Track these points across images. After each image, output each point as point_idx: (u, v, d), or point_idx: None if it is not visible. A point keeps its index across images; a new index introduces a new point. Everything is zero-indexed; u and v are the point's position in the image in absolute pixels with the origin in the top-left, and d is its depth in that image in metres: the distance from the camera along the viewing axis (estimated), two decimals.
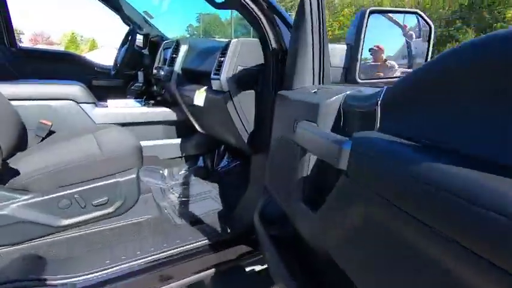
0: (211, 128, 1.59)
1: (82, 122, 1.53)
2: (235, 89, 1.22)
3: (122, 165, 1.12)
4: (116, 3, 2.20)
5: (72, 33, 33.31)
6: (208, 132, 1.68)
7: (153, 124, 1.77)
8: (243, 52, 1.20)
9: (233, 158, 1.95)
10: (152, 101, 1.93)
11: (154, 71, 1.89)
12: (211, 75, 1.25)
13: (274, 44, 1.19)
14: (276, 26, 1.18)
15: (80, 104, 1.52)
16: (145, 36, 2.39)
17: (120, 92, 2.41)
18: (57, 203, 1.02)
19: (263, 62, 1.23)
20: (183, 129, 1.87)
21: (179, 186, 1.69)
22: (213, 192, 1.67)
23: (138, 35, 2.19)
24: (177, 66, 1.65)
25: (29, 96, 1.41)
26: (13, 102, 1.34)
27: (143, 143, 1.73)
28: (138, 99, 1.83)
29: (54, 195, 1.01)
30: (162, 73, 1.74)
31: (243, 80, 1.22)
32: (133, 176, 1.15)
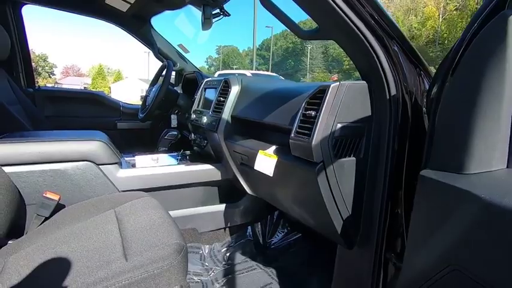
0: (276, 200, 1.15)
1: (101, 189, 1.14)
2: (332, 158, 0.79)
3: (162, 284, 0.70)
4: (150, 37, 1.91)
5: (100, 65, 35.15)
6: (266, 198, 1.25)
7: (191, 186, 1.35)
8: (346, 102, 0.78)
9: (291, 229, 1.49)
10: (188, 152, 1.53)
11: (193, 116, 1.52)
12: (293, 135, 0.84)
13: (393, 89, 0.77)
14: (399, 61, 0.77)
15: (100, 166, 1.14)
16: (179, 73, 2.08)
17: (149, 138, 2.07)
18: None
19: (369, 115, 0.82)
20: (227, 191, 1.44)
21: (225, 276, 1.22)
22: (266, 281, 1.20)
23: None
24: (226, 113, 1.26)
25: (28, 159, 1.03)
26: (8, 168, 0.97)
27: (178, 213, 1.31)
28: (172, 154, 1.43)
29: None
30: (205, 120, 1.36)
31: (342, 144, 0.80)
32: None
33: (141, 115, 1.81)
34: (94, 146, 1.13)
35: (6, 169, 0.95)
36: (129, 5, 1.64)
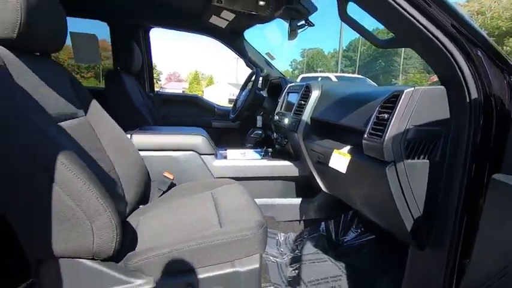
0: (349, 198, 1.22)
1: (201, 174, 1.42)
2: (404, 158, 0.84)
3: (243, 250, 0.88)
4: (242, 48, 2.19)
5: (196, 72, 39.54)
6: (340, 196, 1.33)
7: (272, 179, 1.53)
8: (421, 106, 0.82)
9: (365, 229, 1.51)
10: (270, 149, 1.72)
11: (276, 117, 1.70)
12: (366, 136, 0.91)
13: (474, 94, 0.78)
14: (482, 66, 0.77)
15: (202, 156, 1.42)
16: (265, 78, 2.30)
17: (238, 135, 2.35)
18: None
19: (447, 118, 0.83)
20: (304, 187, 1.57)
21: (298, 262, 1.35)
22: (336, 273, 1.27)
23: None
24: (306, 115, 1.39)
25: (154, 146, 1.37)
26: (142, 153, 1.31)
27: (260, 201, 1.50)
28: (257, 150, 1.64)
29: (167, 283, 0.83)
30: (287, 121, 1.52)
31: (415, 146, 0.84)
32: (256, 266, 0.88)
33: (232, 116, 2.09)
34: (198, 139, 1.42)
35: (141, 153, 1.30)
36: (227, 22, 1.93)
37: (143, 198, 1.25)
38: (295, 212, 1.55)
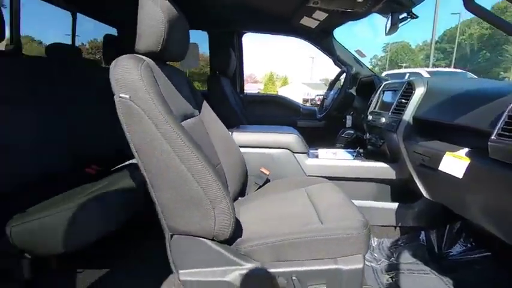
0: (462, 206, 1.10)
1: (294, 171, 1.46)
2: None
3: (347, 248, 0.89)
4: (331, 47, 2.16)
5: (271, 73, 40.40)
6: (448, 204, 1.20)
7: (365, 181, 1.48)
8: None
9: (475, 244, 1.33)
10: (361, 150, 1.66)
11: (370, 117, 1.63)
12: (494, 137, 0.81)
13: None
14: None
15: (295, 154, 1.46)
16: (354, 76, 2.22)
17: (324, 135, 2.34)
18: (275, 279, 0.90)
19: None
20: (401, 191, 1.47)
21: (395, 270, 1.28)
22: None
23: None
24: (408, 115, 1.30)
25: (252, 143, 1.48)
26: (242, 149, 1.43)
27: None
28: (349, 150, 1.61)
29: (273, 270, 0.90)
30: (383, 120, 1.44)
31: None
32: (360, 266, 0.88)
33: (319, 115, 2.09)
34: (292, 138, 1.47)
35: (241, 150, 1.42)
36: (318, 22, 1.93)
37: (242, 191, 1.36)
38: (390, 217, 1.46)
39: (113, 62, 0.81)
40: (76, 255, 1.05)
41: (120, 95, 0.79)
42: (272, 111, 2.52)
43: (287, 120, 2.44)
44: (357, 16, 1.81)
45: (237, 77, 2.47)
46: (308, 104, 7.39)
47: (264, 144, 1.47)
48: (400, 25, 1.46)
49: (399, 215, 1.45)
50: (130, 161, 1.61)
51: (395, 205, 1.46)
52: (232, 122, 1.72)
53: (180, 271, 0.90)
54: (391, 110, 1.41)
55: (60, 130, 1.39)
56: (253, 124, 2.13)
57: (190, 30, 1.13)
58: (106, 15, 2.18)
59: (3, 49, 1.43)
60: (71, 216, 0.98)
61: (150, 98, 0.79)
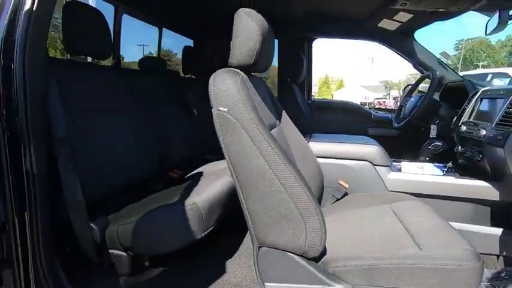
0: None
1: (375, 185, 1.37)
2: None
3: (454, 282, 0.78)
4: (411, 50, 1.99)
5: (326, 76, 39.34)
6: None
7: (458, 200, 1.31)
8: None
9: None
10: (450, 164, 1.48)
11: (463, 128, 1.44)
12: None
13: None
14: None
15: (376, 167, 1.37)
16: (439, 81, 2.01)
17: (398, 145, 2.16)
18: None
19: None
20: (506, 215, 1.27)
21: None
22: None
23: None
24: None
25: (329, 153, 1.42)
26: (319, 159, 1.38)
27: None
28: (437, 164, 1.45)
29: None
30: (484, 133, 1.26)
31: None
32: None
33: (396, 124, 1.94)
34: (372, 149, 1.38)
35: (318, 160, 1.38)
36: (399, 24, 1.79)
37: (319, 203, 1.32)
38: (491, 244, 1.27)
39: (212, 76, 0.85)
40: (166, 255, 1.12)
41: (219, 108, 0.81)
42: (340, 117, 2.41)
43: (357, 127, 2.31)
44: (447, 16, 1.64)
45: (306, 83, 2.44)
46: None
47: (342, 155, 1.40)
48: (510, 22, 1.26)
49: (503, 242, 1.25)
50: (209, 165, 1.69)
51: (498, 231, 1.26)
52: (304, 130, 1.68)
53: (267, 284, 0.89)
54: (496, 121, 1.23)
55: (150, 136, 1.52)
56: (323, 132, 2.07)
57: None
58: (184, 28, 2.34)
59: (110, 64, 1.63)
60: (171, 219, 1.05)
61: (246, 111, 0.80)
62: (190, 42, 2.45)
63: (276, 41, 2.41)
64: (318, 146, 1.42)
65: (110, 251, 1.06)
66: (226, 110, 0.81)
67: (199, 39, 2.42)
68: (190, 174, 1.61)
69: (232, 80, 0.82)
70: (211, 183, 1.27)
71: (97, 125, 1.24)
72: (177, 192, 1.23)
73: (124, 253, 1.07)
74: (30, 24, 0.83)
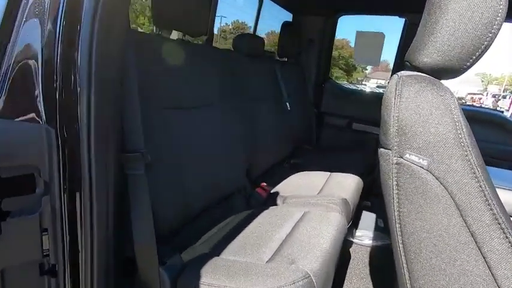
0: None
1: None
2: None
3: None
4: None
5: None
6: None
7: None
8: None
9: None
10: None
11: None
12: None
13: None
14: None
15: None
16: None
17: None
18: None
19: None
20: None
21: None
22: None
23: None
24: None
25: None
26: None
27: None
28: None
29: None
30: None
31: None
32: None
33: None
34: None
35: None
36: None
37: None
38: None
39: (394, 80, 0.49)
40: None
41: (408, 155, 0.41)
42: (489, 135, 1.74)
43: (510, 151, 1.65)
44: None
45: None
46: None
47: None
48: None
49: None
50: (300, 178, 1.32)
51: None
52: None
53: None
54: None
55: (238, 140, 1.17)
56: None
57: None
58: None
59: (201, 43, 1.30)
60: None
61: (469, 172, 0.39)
62: (288, 17, 1.99)
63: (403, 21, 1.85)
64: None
65: None
66: (425, 163, 0.42)
67: (299, 13, 1.93)
68: (282, 195, 1.22)
69: (441, 100, 0.44)
70: (319, 232, 0.86)
71: (179, 126, 0.92)
72: (273, 237, 0.85)
73: None
74: None
